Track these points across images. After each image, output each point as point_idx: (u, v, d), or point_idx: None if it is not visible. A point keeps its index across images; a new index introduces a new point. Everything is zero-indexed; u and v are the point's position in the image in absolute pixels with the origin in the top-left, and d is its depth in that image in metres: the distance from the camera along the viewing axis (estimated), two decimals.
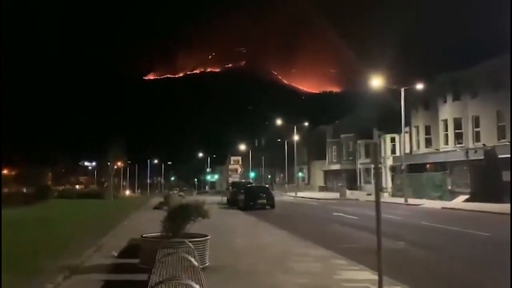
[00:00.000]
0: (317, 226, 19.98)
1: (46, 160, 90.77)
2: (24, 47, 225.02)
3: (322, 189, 69.42)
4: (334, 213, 26.55)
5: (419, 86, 38.08)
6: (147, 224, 18.60)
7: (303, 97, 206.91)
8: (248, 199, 30.74)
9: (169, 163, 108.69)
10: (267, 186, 38.87)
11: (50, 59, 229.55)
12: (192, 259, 6.87)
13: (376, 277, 8.65)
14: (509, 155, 30.11)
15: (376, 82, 37.35)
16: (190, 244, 8.67)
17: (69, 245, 11.42)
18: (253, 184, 40.73)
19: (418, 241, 14.56)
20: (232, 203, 34.67)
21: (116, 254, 10.56)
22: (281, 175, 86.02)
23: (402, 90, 36.25)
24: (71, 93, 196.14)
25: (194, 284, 4.98)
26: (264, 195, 31.77)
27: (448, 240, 15.14)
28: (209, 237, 9.51)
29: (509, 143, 31.24)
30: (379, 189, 8.60)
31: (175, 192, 31.33)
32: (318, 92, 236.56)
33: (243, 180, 46.68)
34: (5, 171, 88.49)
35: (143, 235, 9.53)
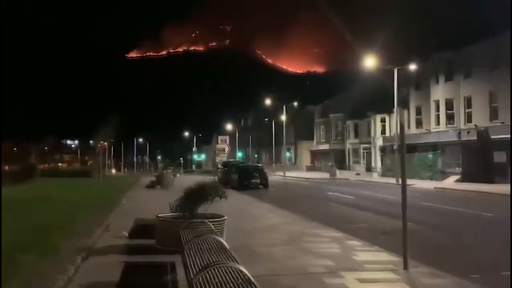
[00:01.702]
0: (317, 206, 19.83)
1: (29, 138, 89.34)
2: (6, 22, 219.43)
3: (309, 168, 69.57)
4: (330, 193, 26.49)
5: (412, 67, 37.97)
6: (146, 204, 18.31)
7: (290, 77, 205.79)
8: (242, 178, 30.51)
9: (154, 142, 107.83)
10: (260, 165, 38.65)
11: (31, 35, 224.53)
12: (223, 241, 6.58)
13: (395, 258, 8.55)
14: (502, 136, 30.30)
15: (369, 62, 37.11)
16: (211, 224, 8.38)
17: (75, 226, 11.02)
18: (246, 164, 40.49)
19: (426, 222, 14.48)
20: (224, 183, 34.32)
21: (126, 235, 10.23)
22: (268, 155, 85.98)
23: (395, 70, 36.07)
24: (52, 70, 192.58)
25: (242, 268, 4.70)
26: (257, 174, 31.59)
27: (456, 221, 15.12)
28: (226, 217, 9.20)
29: (502, 124, 31.41)
30: (404, 172, 8.35)
31: (169, 171, 30.88)
32: (303, 72, 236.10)
33: (235, 160, 46.40)
34: None
35: (159, 215, 9.18)
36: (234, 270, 4.76)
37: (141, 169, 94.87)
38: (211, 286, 4.52)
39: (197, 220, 8.46)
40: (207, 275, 4.68)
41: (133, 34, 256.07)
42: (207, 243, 6.54)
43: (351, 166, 58.34)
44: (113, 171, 75.49)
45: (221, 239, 6.63)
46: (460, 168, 35.00)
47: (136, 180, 38.26)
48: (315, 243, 9.91)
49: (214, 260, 5.43)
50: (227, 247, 6.34)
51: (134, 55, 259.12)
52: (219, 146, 58.10)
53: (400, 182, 30.09)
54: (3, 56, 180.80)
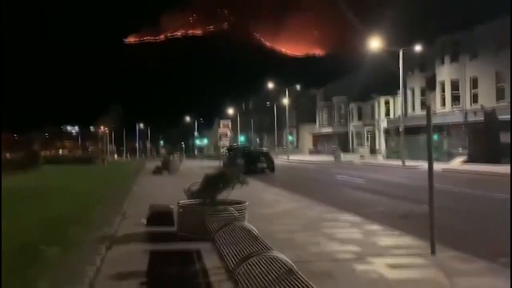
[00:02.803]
0: (328, 190, 19.74)
1: (29, 125, 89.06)
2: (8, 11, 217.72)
3: (312, 152, 69.47)
4: (338, 176, 26.40)
5: (418, 48, 37.59)
6: (157, 190, 18.23)
7: (289, 60, 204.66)
8: (249, 163, 30.40)
9: (155, 127, 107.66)
10: (266, 149, 38.53)
11: (32, 22, 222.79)
12: (253, 229, 6.45)
13: (420, 242, 8.47)
14: (508, 116, 30.10)
15: (374, 43, 36.71)
16: (234, 210, 8.26)
17: (92, 214, 10.91)
18: (252, 148, 40.39)
19: (442, 205, 14.28)
20: (229, 167, 34.35)
21: (145, 222, 10.09)
22: (270, 139, 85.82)
23: (400, 51, 35.71)
24: (51, 57, 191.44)
25: (284, 257, 4.57)
26: (263, 158, 31.51)
27: (471, 203, 15.01)
28: (247, 203, 9.06)
29: (508, 104, 31.19)
30: (431, 156, 8.18)
31: (175, 157, 30.76)
32: (302, 55, 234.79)
33: (240, 144, 46.29)
34: None
35: (179, 202, 9.04)
36: (274, 259, 4.64)
37: (143, 155, 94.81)
38: (254, 276, 4.41)
39: (220, 206, 8.34)
40: (247, 265, 4.57)
41: (130, 18, 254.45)
42: (236, 231, 6.43)
43: (354, 148, 58.20)
44: (115, 157, 75.36)
45: (251, 227, 6.50)
46: (466, 149, 34.86)
47: (141, 166, 38.11)
48: (336, 228, 9.82)
49: (250, 249, 5.31)
50: (258, 234, 6.22)
51: (132, 40, 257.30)
52: (221, 130, 57.98)
53: (405, 164, 29.84)
54: (2, 44, 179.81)
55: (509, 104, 30.98)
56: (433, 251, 7.43)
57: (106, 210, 11.64)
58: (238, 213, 8.31)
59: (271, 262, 4.60)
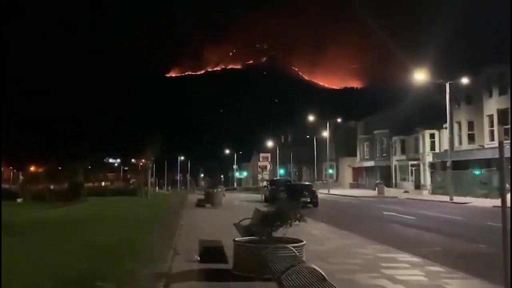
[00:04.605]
0: (377, 227, 19.07)
1: (74, 156, 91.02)
2: (48, 45, 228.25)
3: (353, 186, 68.30)
4: (385, 212, 25.61)
5: (465, 80, 36.78)
6: (204, 223, 18.04)
7: (328, 93, 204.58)
8: (291, 197, 29.87)
9: (195, 160, 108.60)
10: (309, 183, 38.01)
11: (75, 54, 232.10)
12: (319, 269, 6.12)
13: (489, 285, 7.95)
14: None
15: (419, 76, 36.17)
16: (294, 249, 7.94)
17: (144, 249, 10.77)
18: (294, 182, 39.93)
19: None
20: (271, 201, 33.90)
21: (199, 259, 9.87)
22: (309, 172, 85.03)
23: (447, 84, 35.03)
24: (94, 89, 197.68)
25: None
26: (306, 193, 30.97)
27: None
28: (304, 242, 8.72)
29: None
30: (504, 192, 7.70)
31: (219, 190, 30.67)
32: (339, 87, 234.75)
33: (282, 177, 45.92)
34: (32, 168, 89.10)
35: (235, 239, 8.79)
36: None
37: (182, 187, 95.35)
38: None
39: (279, 245, 8.03)
40: None
41: (173, 54, 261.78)
42: (302, 272, 6.13)
43: (398, 183, 56.85)
44: (156, 189, 76.13)
45: (317, 268, 6.18)
46: None
47: (183, 199, 38.21)
48: (397, 270, 9.33)
49: None
50: (325, 277, 5.91)
51: (174, 75, 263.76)
52: (261, 163, 57.70)
53: (453, 200, 28.61)
54: (45, 77, 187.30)
55: (510, 143, 29.72)
56: None
57: (157, 244, 11.51)
58: (297, 252, 8.00)
59: None
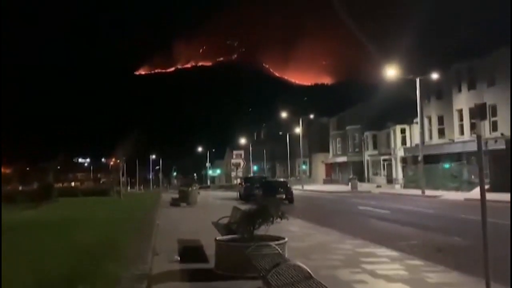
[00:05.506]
0: (354, 221, 19.21)
1: (43, 157, 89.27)
2: (18, 45, 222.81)
3: (326, 181, 68.86)
4: (360, 207, 25.85)
5: (435, 76, 37.41)
6: (180, 223, 17.82)
7: (298, 90, 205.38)
8: (267, 194, 29.88)
9: (167, 158, 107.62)
10: (284, 180, 38.09)
11: (42, 55, 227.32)
12: (305, 267, 6.09)
13: (469, 278, 8.03)
14: None
15: (390, 72, 36.62)
16: (277, 247, 7.88)
17: (123, 250, 10.55)
18: (269, 178, 39.95)
19: (478, 236, 13.81)
20: (246, 198, 33.77)
21: (179, 259, 9.71)
22: (282, 168, 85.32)
23: (417, 79, 35.58)
24: (62, 88, 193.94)
25: None
26: (282, 189, 31.03)
27: (505, 234, 14.41)
28: (286, 239, 8.67)
29: None
30: (483, 185, 7.78)
31: (195, 188, 30.38)
32: (310, 84, 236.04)
33: (257, 175, 45.89)
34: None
35: (217, 238, 8.67)
36: None
37: (155, 186, 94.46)
38: None
39: (262, 243, 7.95)
40: None
41: (141, 51, 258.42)
42: (289, 270, 6.08)
43: (370, 178, 57.56)
44: (128, 188, 75.14)
45: (302, 266, 6.14)
46: (488, 178, 34.17)
47: (156, 198, 37.77)
48: (377, 264, 9.37)
49: None
50: (311, 274, 5.88)
51: (143, 72, 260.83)
52: (234, 161, 57.64)
53: (425, 194, 29.06)
54: (16, 77, 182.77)
55: (510, 139, 30.50)
56: None
57: (135, 244, 11.29)
58: (280, 249, 7.94)
59: None
